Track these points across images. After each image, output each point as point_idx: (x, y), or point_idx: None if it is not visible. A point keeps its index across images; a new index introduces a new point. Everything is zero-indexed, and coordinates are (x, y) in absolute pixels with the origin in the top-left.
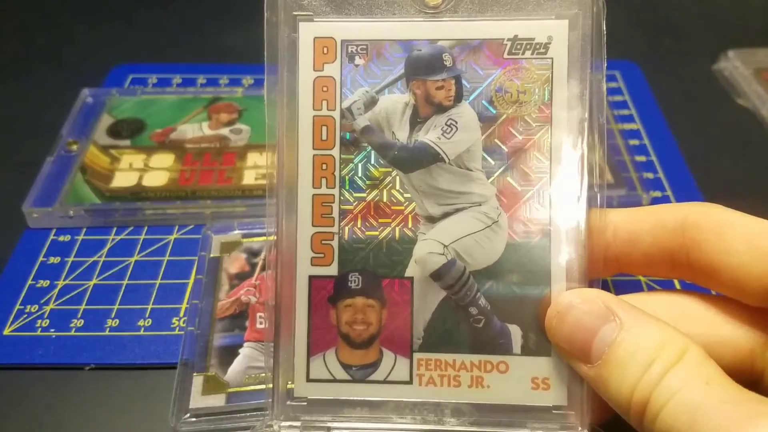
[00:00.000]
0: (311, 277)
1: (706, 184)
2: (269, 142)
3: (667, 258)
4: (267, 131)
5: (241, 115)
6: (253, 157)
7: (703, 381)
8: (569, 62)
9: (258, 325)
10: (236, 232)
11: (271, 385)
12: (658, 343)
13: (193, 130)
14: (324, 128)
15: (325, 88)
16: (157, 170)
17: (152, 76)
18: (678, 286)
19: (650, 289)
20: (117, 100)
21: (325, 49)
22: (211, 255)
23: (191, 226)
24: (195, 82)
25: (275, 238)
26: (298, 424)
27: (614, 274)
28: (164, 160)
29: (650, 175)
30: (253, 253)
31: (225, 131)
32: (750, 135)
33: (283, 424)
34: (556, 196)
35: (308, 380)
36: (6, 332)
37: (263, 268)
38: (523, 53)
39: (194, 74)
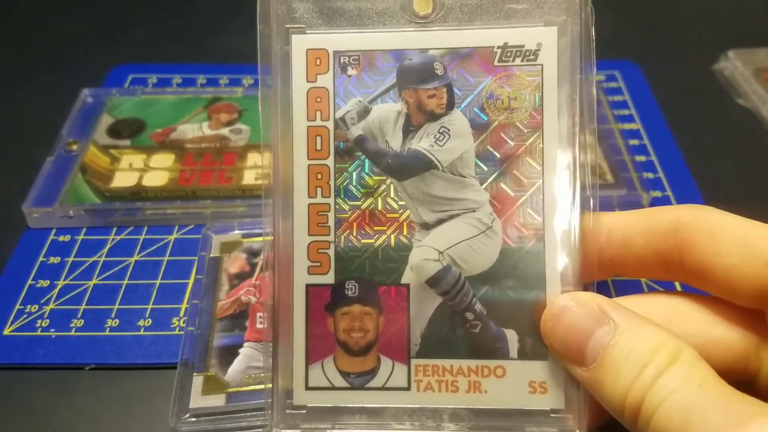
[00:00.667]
0: (308, 286)
1: (706, 184)
2: (264, 143)
3: (660, 260)
4: (262, 139)
5: (241, 115)
6: (253, 157)
7: (697, 383)
8: (559, 68)
9: (258, 325)
10: (236, 232)
11: (270, 390)
12: (652, 346)
13: (193, 130)
14: (318, 138)
15: (318, 99)
16: (157, 170)
17: (152, 76)
18: (678, 287)
19: (650, 289)
20: (117, 100)
21: (318, 61)
22: (211, 255)
23: (191, 226)
24: (195, 82)
25: (272, 239)
26: None
27: (609, 276)
28: (164, 160)
29: (650, 175)
30: (253, 253)
31: (225, 131)
32: (750, 135)
33: None
34: (549, 201)
35: (307, 388)
36: (6, 332)
37: (263, 269)
38: (513, 60)
39: (194, 74)
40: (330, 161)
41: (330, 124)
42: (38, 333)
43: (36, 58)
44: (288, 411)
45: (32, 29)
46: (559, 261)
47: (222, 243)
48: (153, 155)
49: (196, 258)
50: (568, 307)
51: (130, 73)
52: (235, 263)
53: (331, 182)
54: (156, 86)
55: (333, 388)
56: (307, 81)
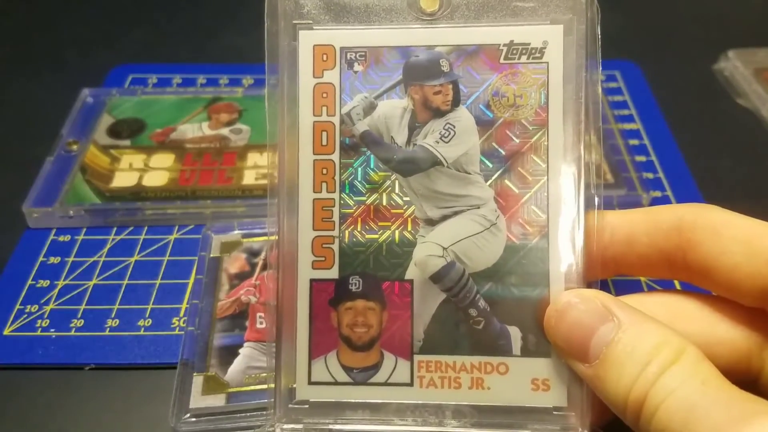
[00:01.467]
0: (312, 281)
1: (706, 184)
2: (270, 143)
3: (663, 259)
4: (268, 136)
5: (241, 115)
6: (253, 157)
7: (699, 381)
8: (564, 66)
9: (258, 325)
10: (236, 232)
11: (273, 387)
12: (655, 344)
13: (193, 130)
14: (324, 133)
15: (324, 95)
16: (157, 170)
17: (152, 76)
18: (678, 286)
19: (650, 289)
20: (117, 100)
21: (325, 56)
22: (211, 255)
23: (191, 226)
24: (195, 82)
25: (277, 238)
26: (300, 426)
27: (612, 275)
28: (164, 160)
29: (650, 175)
30: (253, 253)
31: (225, 131)
32: (750, 135)
33: (285, 426)
34: (554, 198)
35: (310, 383)
36: (6, 332)
37: (263, 268)
38: (519, 58)
39: (194, 74)
40: (335, 156)
41: (336, 120)
42: (38, 333)
43: (36, 58)
44: (290, 405)
45: (32, 29)
46: (563, 259)
47: (222, 243)
48: (153, 155)
49: (196, 258)
50: (572, 303)
51: (130, 73)
52: (235, 263)
53: (337, 177)
54: (156, 86)
55: (335, 383)
56: (314, 76)
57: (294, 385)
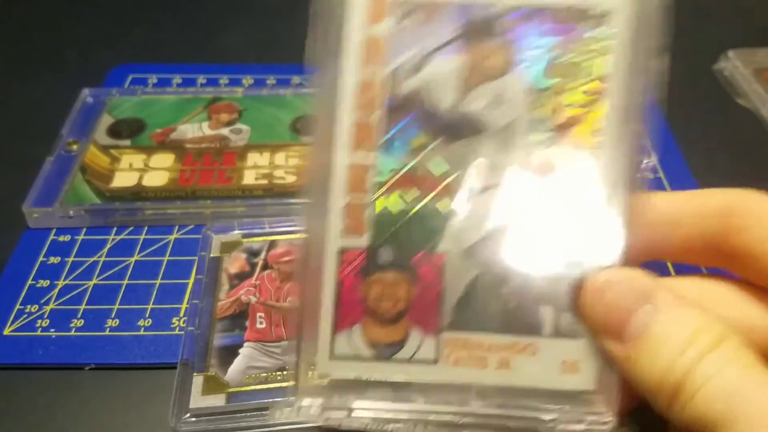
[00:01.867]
0: (341, 249)
1: (707, 184)
2: (310, 96)
3: (705, 244)
4: (313, 100)
5: (242, 115)
6: (253, 157)
7: (742, 366)
8: (628, 35)
9: (258, 325)
10: (236, 232)
11: (295, 358)
12: (695, 329)
13: (193, 130)
14: (368, 91)
15: (372, 49)
16: (157, 170)
17: (152, 76)
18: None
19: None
20: (117, 100)
21: (376, 9)
22: (211, 255)
23: (191, 226)
24: (195, 82)
25: (308, 201)
26: (319, 402)
27: (650, 259)
28: (164, 160)
29: (650, 175)
30: (253, 253)
31: (225, 131)
32: (750, 135)
33: (304, 402)
34: (603, 174)
35: (332, 357)
36: (6, 332)
37: (263, 268)
38: (580, 23)
39: (194, 74)
40: (376, 117)
41: (381, 77)
42: (38, 333)
43: (36, 58)
44: (311, 380)
45: (32, 29)
46: (604, 237)
47: (222, 243)
48: (153, 155)
49: (196, 258)
50: (610, 282)
51: (130, 73)
52: (235, 263)
53: (375, 140)
54: (156, 86)
55: (358, 358)
56: (362, 30)
57: (315, 360)
